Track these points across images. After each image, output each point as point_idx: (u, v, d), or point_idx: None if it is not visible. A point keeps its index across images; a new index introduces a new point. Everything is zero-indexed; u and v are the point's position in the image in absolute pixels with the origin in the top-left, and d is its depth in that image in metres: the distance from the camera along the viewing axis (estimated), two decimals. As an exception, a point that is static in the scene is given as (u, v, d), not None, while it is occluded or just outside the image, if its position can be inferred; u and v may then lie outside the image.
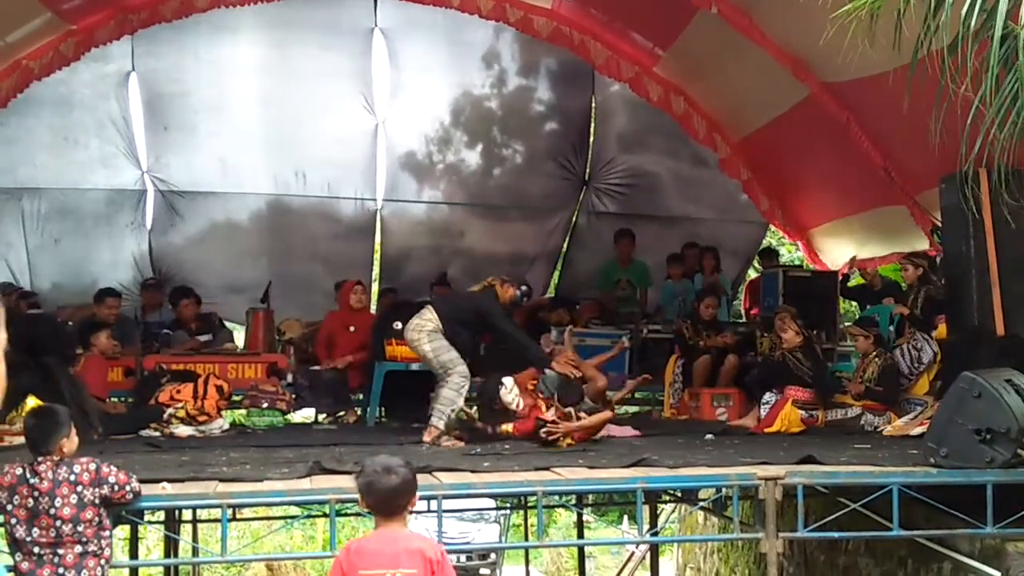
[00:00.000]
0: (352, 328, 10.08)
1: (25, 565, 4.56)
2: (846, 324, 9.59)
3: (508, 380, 7.60)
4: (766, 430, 8.32)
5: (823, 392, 8.67)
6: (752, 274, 13.68)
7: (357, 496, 4.07)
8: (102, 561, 4.67)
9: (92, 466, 4.69)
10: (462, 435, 7.63)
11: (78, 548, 4.57)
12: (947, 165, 6.75)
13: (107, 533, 4.75)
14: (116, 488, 4.74)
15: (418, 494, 4.10)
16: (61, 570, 4.54)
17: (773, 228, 13.48)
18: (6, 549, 4.78)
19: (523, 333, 8.27)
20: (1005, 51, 4.96)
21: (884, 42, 5.36)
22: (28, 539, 4.55)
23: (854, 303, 12.30)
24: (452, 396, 7.62)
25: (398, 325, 9.25)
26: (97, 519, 4.66)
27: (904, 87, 5.40)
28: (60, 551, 4.55)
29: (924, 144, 5.79)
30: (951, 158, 5.68)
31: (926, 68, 5.25)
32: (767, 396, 8.74)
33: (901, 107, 5.49)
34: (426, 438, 7.54)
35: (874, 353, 8.67)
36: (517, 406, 7.56)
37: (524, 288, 8.17)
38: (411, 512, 4.11)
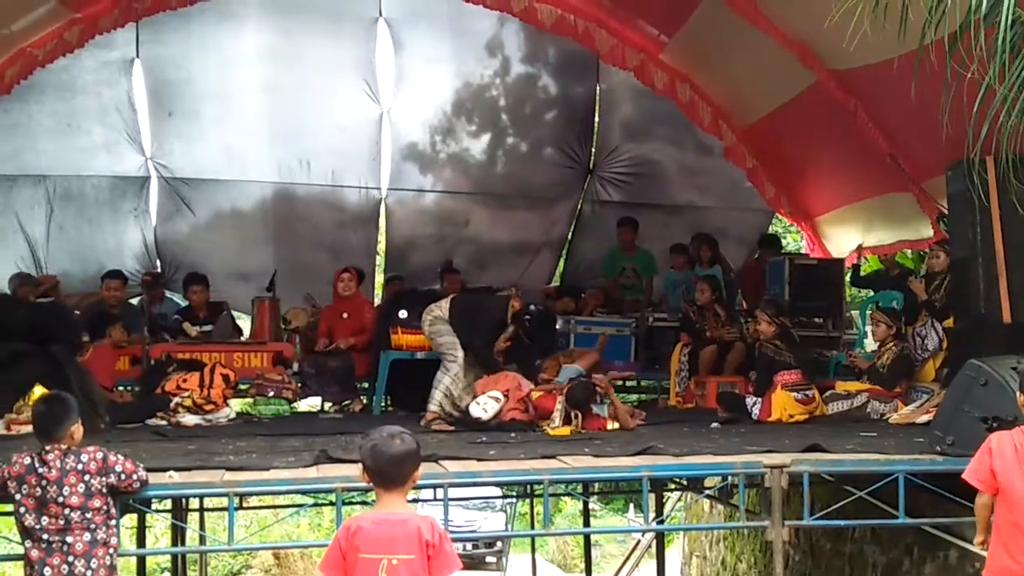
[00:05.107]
0: (345, 315, 10.11)
1: (35, 553, 4.58)
2: (874, 309, 9.56)
3: (473, 407, 7.77)
4: (767, 420, 8.35)
5: (808, 370, 8.75)
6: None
7: (360, 476, 4.00)
8: (111, 549, 4.69)
9: (99, 455, 4.71)
10: (451, 421, 7.95)
11: (87, 536, 4.59)
12: (954, 152, 6.73)
13: (114, 522, 4.77)
14: (123, 477, 4.76)
15: (422, 469, 4.02)
16: (71, 558, 4.56)
17: (780, 215, 13.46)
18: (15, 537, 4.80)
19: (490, 353, 8.35)
20: (1013, 37, 4.94)
21: (890, 28, 5.34)
22: (37, 527, 4.57)
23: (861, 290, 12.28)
24: (445, 380, 8.08)
25: (403, 314, 9.29)
26: (105, 507, 4.68)
27: (911, 74, 5.38)
28: (69, 539, 4.56)
29: (931, 131, 5.78)
30: (958, 145, 5.66)
31: (932, 54, 5.23)
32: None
33: (908, 94, 5.47)
34: (423, 422, 7.91)
35: (892, 343, 8.68)
36: (499, 411, 7.72)
37: (532, 308, 8.63)
38: (414, 486, 4.06)
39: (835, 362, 9.97)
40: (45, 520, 4.57)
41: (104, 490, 4.67)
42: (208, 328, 10.23)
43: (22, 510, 4.61)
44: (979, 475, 4.54)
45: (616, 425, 7.66)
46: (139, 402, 8.80)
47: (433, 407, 8.04)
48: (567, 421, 7.46)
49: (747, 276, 12.25)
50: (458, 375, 8.10)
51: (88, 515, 4.61)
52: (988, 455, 4.51)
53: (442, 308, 8.32)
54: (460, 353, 8.13)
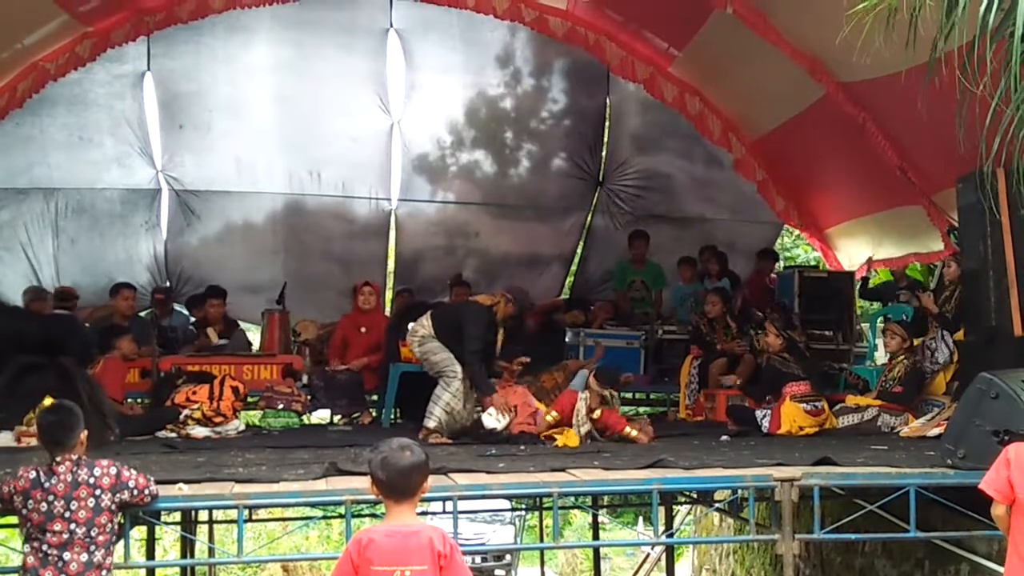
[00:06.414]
0: (363, 329, 10.10)
1: (31, 560, 4.57)
2: (888, 321, 9.54)
3: (486, 418, 7.82)
4: (777, 432, 8.33)
5: (818, 381, 8.76)
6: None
7: (370, 489, 3.98)
8: (103, 572, 4.65)
9: (112, 470, 4.69)
10: (449, 436, 7.93)
11: (84, 556, 4.55)
12: (964, 165, 6.72)
13: (115, 539, 4.75)
14: (136, 492, 4.75)
15: (431, 481, 4.00)
16: None
17: (790, 227, 13.45)
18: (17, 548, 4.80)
19: (478, 361, 8.12)
20: (1024, 50, 4.93)
21: (900, 41, 5.33)
22: (39, 539, 4.56)
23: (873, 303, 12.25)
24: (445, 396, 7.97)
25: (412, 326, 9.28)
26: (110, 526, 4.66)
27: (920, 86, 5.37)
28: (66, 556, 4.53)
29: (941, 144, 5.78)
30: (968, 158, 5.64)
31: (943, 67, 5.22)
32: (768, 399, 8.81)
33: (917, 107, 5.46)
34: (420, 436, 7.76)
35: (902, 356, 8.66)
36: (510, 422, 7.79)
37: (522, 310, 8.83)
38: (422, 498, 4.04)
39: (844, 376, 9.94)
40: (49, 535, 4.55)
41: (114, 507, 4.67)
42: (223, 342, 10.27)
43: (28, 524, 4.60)
44: (996, 485, 4.51)
45: (635, 432, 7.68)
46: (149, 414, 8.80)
47: (431, 423, 7.91)
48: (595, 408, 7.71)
49: (749, 289, 12.23)
50: (459, 390, 7.98)
51: (92, 532, 4.58)
52: (1006, 466, 4.48)
53: (424, 326, 8.18)
54: (459, 368, 8.00)
